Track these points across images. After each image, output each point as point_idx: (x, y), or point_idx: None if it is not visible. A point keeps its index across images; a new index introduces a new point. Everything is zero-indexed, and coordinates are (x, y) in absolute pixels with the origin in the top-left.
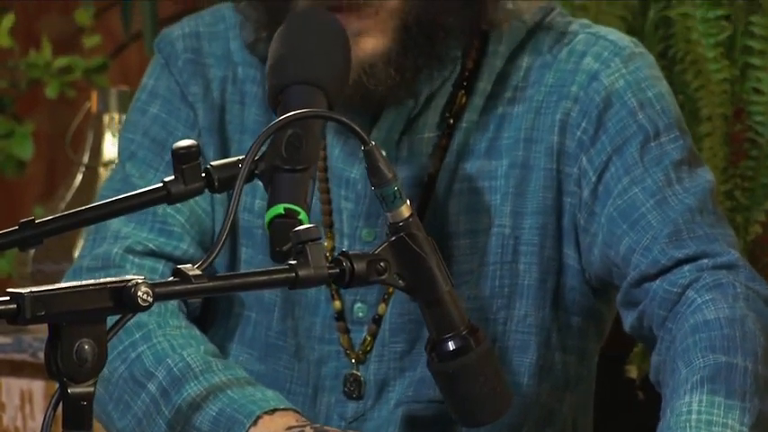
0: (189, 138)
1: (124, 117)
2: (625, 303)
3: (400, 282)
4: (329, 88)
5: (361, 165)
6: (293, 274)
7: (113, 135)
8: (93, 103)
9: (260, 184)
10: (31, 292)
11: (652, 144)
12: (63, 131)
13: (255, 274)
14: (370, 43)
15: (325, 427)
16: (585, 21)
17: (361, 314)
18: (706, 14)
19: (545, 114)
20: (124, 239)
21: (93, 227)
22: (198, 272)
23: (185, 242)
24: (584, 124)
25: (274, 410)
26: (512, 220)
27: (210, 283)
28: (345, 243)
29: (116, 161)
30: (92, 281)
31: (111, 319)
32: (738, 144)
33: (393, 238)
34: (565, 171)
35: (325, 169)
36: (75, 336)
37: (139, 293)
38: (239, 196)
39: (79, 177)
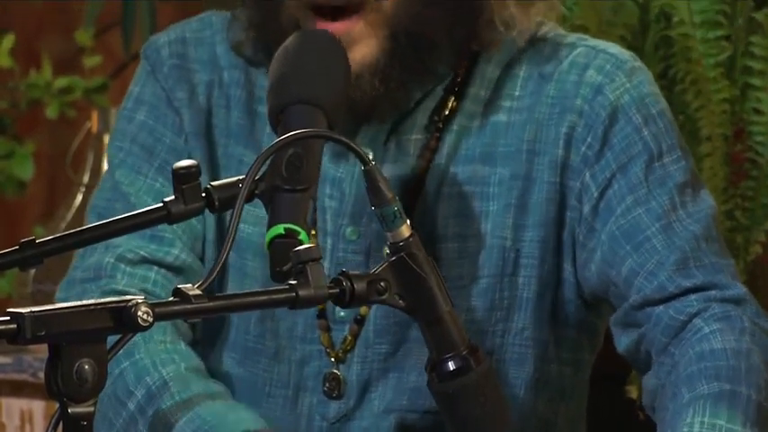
0: (176, 143)
1: None
2: (623, 324)
3: (400, 302)
4: (329, 108)
5: (348, 164)
6: (293, 294)
7: None
8: (94, 123)
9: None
10: (31, 311)
11: (656, 164)
12: (63, 151)
13: (255, 294)
14: (360, 52)
15: None
16: (581, 34)
17: (342, 314)
18: (706, 35)
19: (548, 126)
20: (115, 248)
21: None
22: (198, 292)
23: (177, 248)
24: (589, 139)
25: None
26: (513, 232)
27: (210, 303)
28: (329, 241)
29: (106, 170)
30: (92, 301)
31: (111, 339)
32: (738, 164)
33: (393, 258)
34: (568, 185)
35: (317, 178)
36: (75, 355)
37: (139, 313)
38: (239, 216)
39: (79, 197)
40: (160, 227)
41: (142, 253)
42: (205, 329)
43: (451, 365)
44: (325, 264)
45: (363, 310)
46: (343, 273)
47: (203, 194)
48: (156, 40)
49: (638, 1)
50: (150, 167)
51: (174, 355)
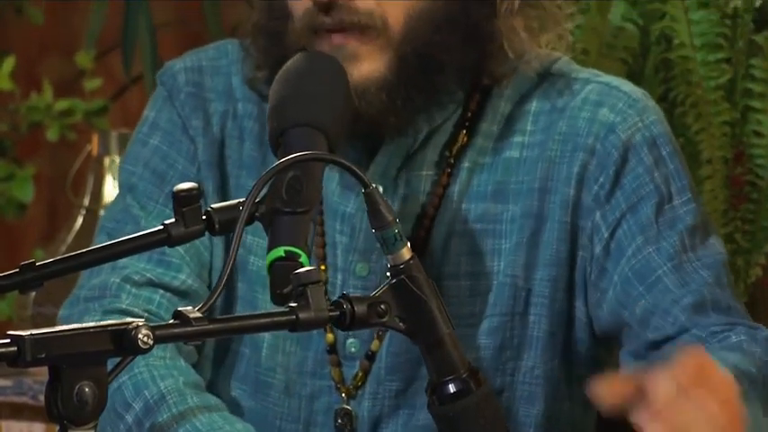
0: (189, 170)
1: None
2: (636, 355)
3: (401, 324)
4: (330, 131)
5: (357, 199)
6: (294, 317)
7: (114, 178)
8: (94, 145)
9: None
10: (31, 334)
11: (666, 207)
12: (64, 174)
13: (256, 317)
14: (366, 67)
15: None
16: (594, 70)
17: (353, 349)
18: (706, 57)
19: (560, 164)
20: (122, 269)
21: None
22: (198, 314)
23: (184, 273)
24: (601, 179)
25: None
26: (524, 271)
27: (211, 326)
28: (339, 277)
29: (118, 192)
30: (92, 323)
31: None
32: (739, 187)
33: (393, 281)
34: (579, 224)
35: (321, 203)
36: (75, 378)
37: (140, 336)
38: (239, 239)
39: (80, 220)
40: (168, 251)
41: (149, 276)
42: (217, 362)
43: (452, 388)
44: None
45: (375, 345)
46: (343, 295)
47: (204, 217)
48: (173, 66)
49: (638, 24)
50: (161, 193)
51: (173, 370)
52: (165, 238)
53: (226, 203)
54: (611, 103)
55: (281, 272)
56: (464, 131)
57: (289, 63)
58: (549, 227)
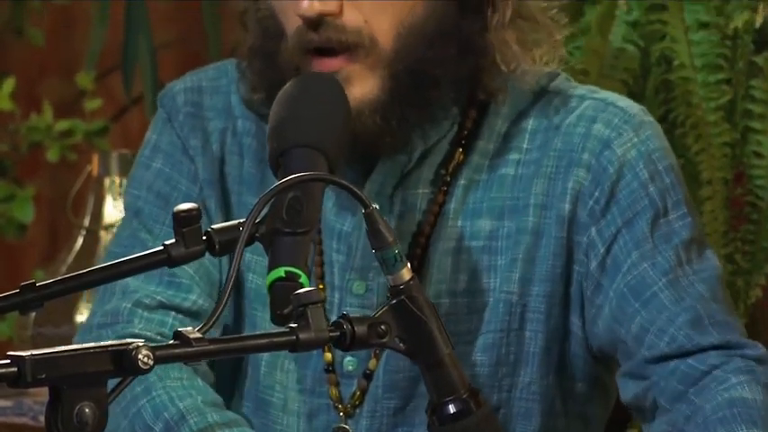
0: (192, 191)
1: (125, 180)
2: (632, 375)
3: (401, 345)
4: (329, 151)
5: (354, 218)
6: (294, 338)
7: (114, 198)
8: (94, 166)
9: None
10: (31, 355)
11: (661, 221)
12: (64, 195)
13: (256, 338)
14: (359, 90)
15: None
16: (591, 86)
17: (350, 367)
18: (707, 78)
19: (555, 180)
20: (133, 293)
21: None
22: (198, 335)
23: (194, 293)
24: (596, 194)
25: None
26: (520, 287)
27: (211, 347)
28: (336, 295)
29: (123, 216)
30: (92, 344)
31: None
32: (739, 208)
33: (393, 302)
34: (575, 240)
35: (318, 221)
36: (75, 399)
37: (140, 356)
38: (239, 260)
39: (80, 241)
40: (177, 272)
41: (159, 298)
42: (222, 379)
43: (452, 408)
44: (333, 318)
45: (372, 363)
46: (343, 316)
47: (204, 238)
48: (173, 87)
49: (638, 45)
50: (167, 216)
51: (192, 390)
52: (166, 259)
53: (226, 224)
54: (607, 118)
55: (281, 292)
56: (460, 149)
57: (289, 84)
58: (544, 242)
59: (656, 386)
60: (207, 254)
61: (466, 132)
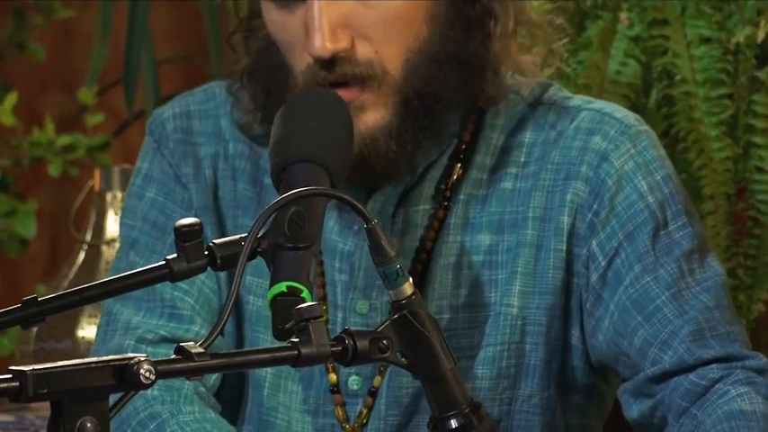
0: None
1: None
2: (635, 393)
3: (403, 360)
4: (332, 166)
5: (356, 237)
6: (296, 352)
7: (116, 213)
8: (96, 181)
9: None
10: (33, 369)
11: (662, 232)
12: (66, 210)
13: (258, 352)
14: (372, 117)
15: None
16: (586, 96)
17: (356, 386)
18: (708, 93)
19: (554, 193)
20: (135, 329)
21: (103, 318)
22: (200, 349)
23: (197, 324)
24: (595, 206)
25: None
26: (520, 300)
27: (213, 361)
28: (339, 315)
29: (119, 247)
30: (94, 358)
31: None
32: (741, 223)
33: (396, 316)
34: (574, 252)
35: (320, 236)
36: (77, 414)
37: (142, 371)
38: (242, 274)
39: (82, 255)
40: (178, 304)
41: (162, 332)
42: (228, 403)
43: (454, 423)
44: None
45: (377, 381)
46: (345, 330)
47: (206, 252)
48: (161, 114)
49: (640, 60)
50: (164, 245)
51: (205, 423)
52: (168, 274)
53: (228, 239)
54: (604, 130)
55: (283, 307)
56: (459, 164)
57: (291, 99)
58: (544, 255)
59: (662, 404)
60: (206, 279)
61: (464, 146)
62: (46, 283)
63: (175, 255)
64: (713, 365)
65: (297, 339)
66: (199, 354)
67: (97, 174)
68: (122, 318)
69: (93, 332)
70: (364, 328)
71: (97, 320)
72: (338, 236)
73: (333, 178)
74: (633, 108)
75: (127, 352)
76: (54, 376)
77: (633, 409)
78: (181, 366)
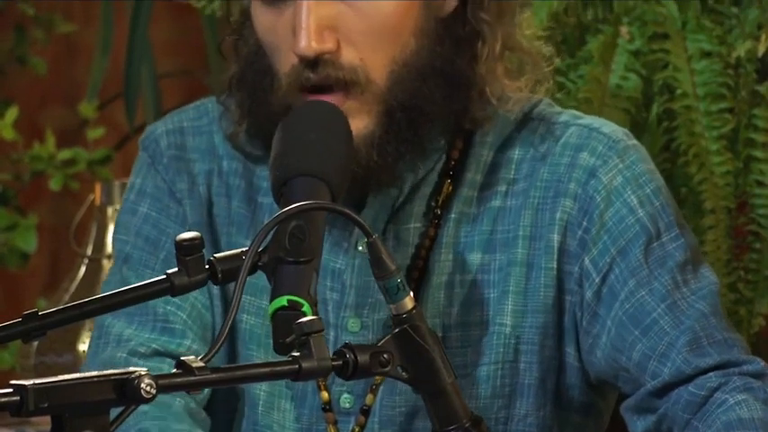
0: (180, 234)
1: None
2: (638, 409)
3: (404, 374)
4: (332, 179)
5: (346, 255)
6: (296, 367)
7: None
8: (97, 195)
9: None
10: (34, 383)
11: (654, 245)
12: (66, 224)
13: (258, 366)
14: (354, 125)
15: None
16: (574, 111)
17: (347, 405)
18: (709, 108)
19: (543, 211)
20: (127, 342)
21: (95, 331)
22: (201, 364)
23: (188, 338)
24: (585, 223)
25: None
26: (512, 318)
27: (213, 375)
28: (332, 334)
29: (113, 264)
30: (95, 372)
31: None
32: (742, 237)
33: (396, 330)
34: (565, 270)
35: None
36: (77, 427)
37: (143, 385)
38: (243, 287)
39: (82, 270)
40: (171, 318)
41: (154, 346)
42: (218, 422)
43: None
44: None
45: (369, 399)
46: (346, 345)
47: (207, 266)
48: (154, 130)
49: (641, 74)
50: (157, 260)
51: None
52: (168, 288)
53: (228, 253)
54: (592, 146)
55: (283, 321)
56: (448, 181)
57: (291, 113)
58: (535, 274)
59: (666, 418)
60: (199, 295)
61: (453, 163)
62: (47, 297)
63: (176, 269)
64: (711, 374)
65: (297, 354)
66: (200, 368)
67: (98, 188)
68: (114, 330)
69: None
70: None
71: None
72: (328, 254)
73: (333, 191)
74: (634, 122)
75: (119, 365)
76: (55, 390)
77: (638, 426)
78: (182, 380)
